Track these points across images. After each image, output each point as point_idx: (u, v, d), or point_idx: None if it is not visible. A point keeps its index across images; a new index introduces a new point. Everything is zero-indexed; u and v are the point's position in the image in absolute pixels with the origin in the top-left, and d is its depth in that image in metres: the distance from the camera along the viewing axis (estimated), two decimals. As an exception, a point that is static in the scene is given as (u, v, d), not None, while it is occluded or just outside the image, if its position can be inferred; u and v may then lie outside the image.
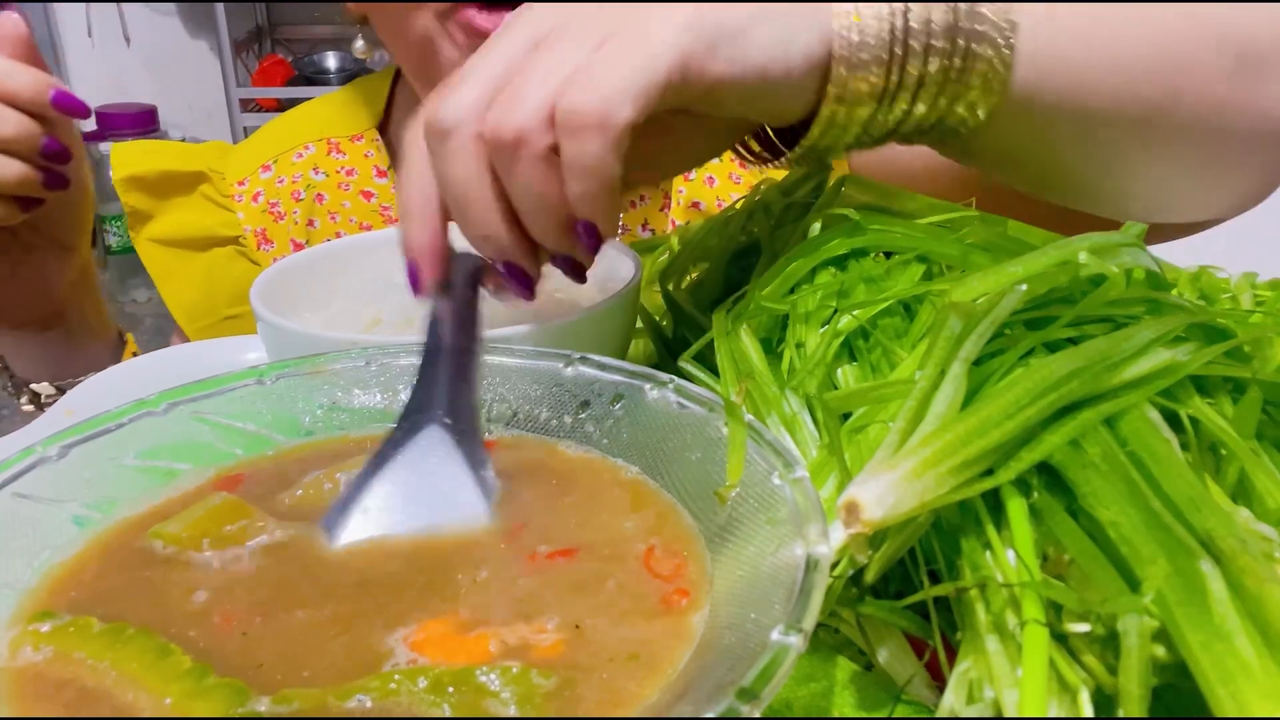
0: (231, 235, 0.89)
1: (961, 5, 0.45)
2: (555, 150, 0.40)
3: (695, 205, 0.88)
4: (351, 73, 3.50)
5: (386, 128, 0.92)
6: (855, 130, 0.47)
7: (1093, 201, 0.58)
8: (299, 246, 0.88)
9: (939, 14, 0.45)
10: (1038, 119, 0.50)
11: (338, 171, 0.90)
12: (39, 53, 0.67)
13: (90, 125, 3.54)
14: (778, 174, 0.84)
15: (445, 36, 0.73)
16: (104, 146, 3.38)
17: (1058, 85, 0.49)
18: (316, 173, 0.90)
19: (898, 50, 0.45)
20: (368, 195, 0.90)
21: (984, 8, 0.46)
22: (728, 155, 0.85)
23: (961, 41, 0.45)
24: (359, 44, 0.90)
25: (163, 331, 0.91)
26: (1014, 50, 0.47)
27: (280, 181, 0.90)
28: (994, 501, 0.35)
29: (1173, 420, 0.36)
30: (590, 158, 0.39)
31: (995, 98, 0.47)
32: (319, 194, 0.90)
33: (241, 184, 0.90)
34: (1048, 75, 0.48)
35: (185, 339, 0.90)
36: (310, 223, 0.90)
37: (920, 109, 0.47)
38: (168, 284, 0.89)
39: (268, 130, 0.96)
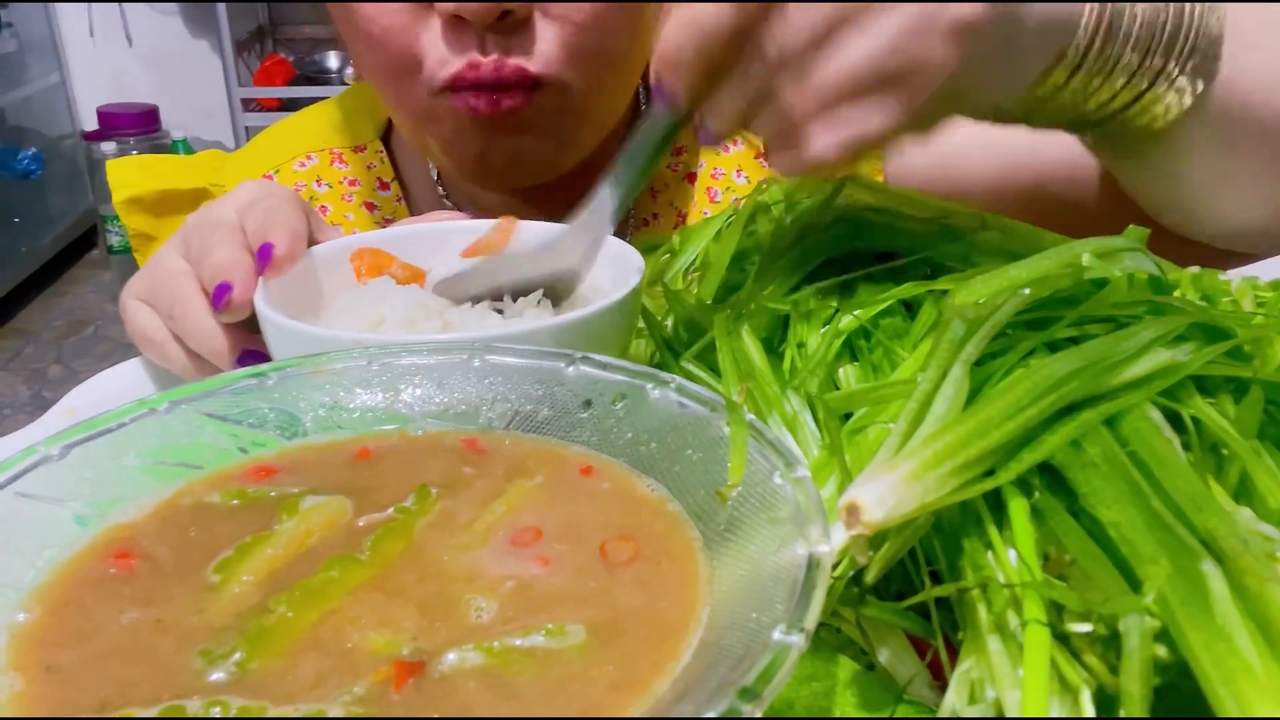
0: None
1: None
2: None
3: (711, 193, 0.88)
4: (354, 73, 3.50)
5: (390, 137, 0.91)
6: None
7: (1217, 223, 0.62)
8: None
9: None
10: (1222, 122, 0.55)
11: (340, 182, 0.89)
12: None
13: (91, 125, 3.55)
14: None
15: (435, 119, 0.73)
16: (105, 146, 3.39)
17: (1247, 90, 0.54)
18: (319, 184, 0.89)
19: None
20: (370, 207, 0.89)
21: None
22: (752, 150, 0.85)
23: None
24: (349, 71, 0.89)
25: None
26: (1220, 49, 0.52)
27: None
28: (995, 502, 0.35)
29: (1174, 420, 0.36)
30: None
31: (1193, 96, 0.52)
32: (322, 206, 0.88)
33: None
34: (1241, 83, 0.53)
35: None
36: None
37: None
38: None
39: (268, 138, 0.95)
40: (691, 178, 0.88)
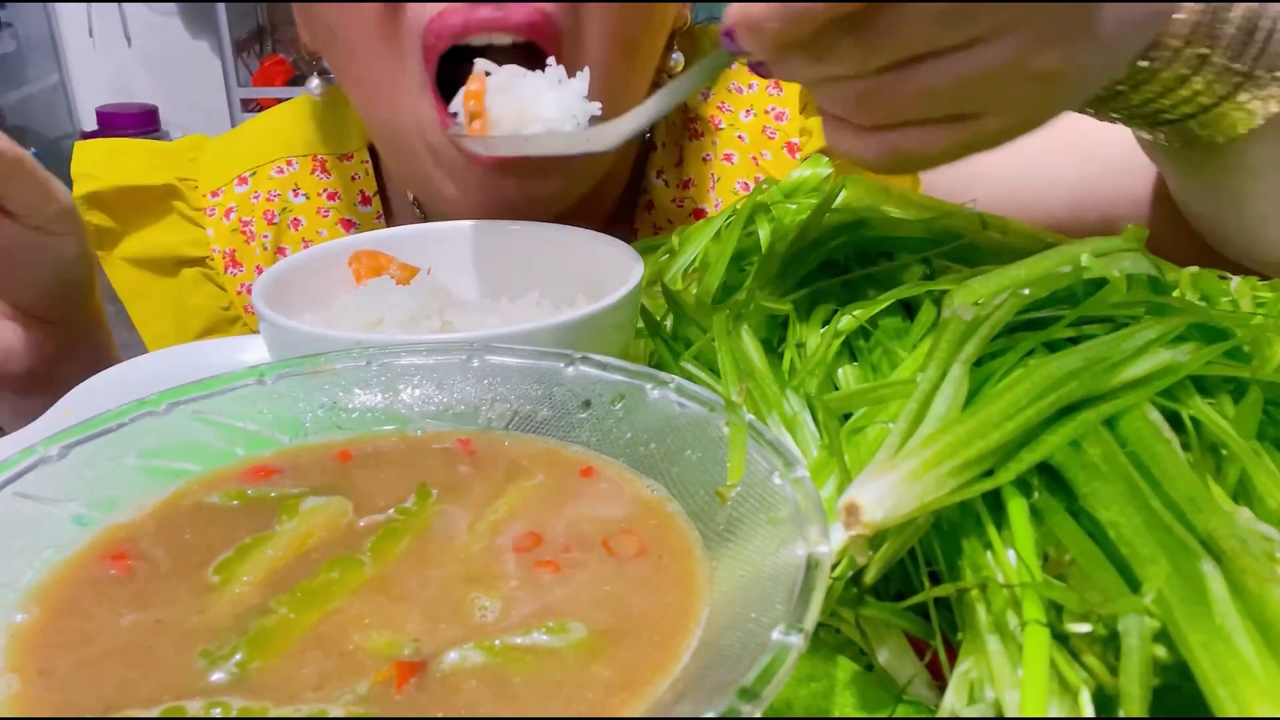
0: (199, 255, 0.83)
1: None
2: None
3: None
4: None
5: (377, 148, 0.84)
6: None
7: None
8: None
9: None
10: None
11: (319, 194, 0.84)
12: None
13: (91, 125, 3.55)
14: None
15: (437, 157, 0.68)
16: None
17: None
18: (296, 194, 0.83)
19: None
20: (348, 224, 0.84)
21: None
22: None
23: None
24: (314, 82, 0.82)
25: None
26: None
27: (255, 197, 0.83)
28: (995, 502, 0.35)
29: (1173, 421, 0.36)
30: None
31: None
32: (295, 218, 0.83)
33: (215, 195, 0.83)
34: None
35: None
36: (280, 250, 0.83)
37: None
38: (138, 306, 0.83)
39: (249, 132, 0.89)
40: (699, 214, 0.84)
